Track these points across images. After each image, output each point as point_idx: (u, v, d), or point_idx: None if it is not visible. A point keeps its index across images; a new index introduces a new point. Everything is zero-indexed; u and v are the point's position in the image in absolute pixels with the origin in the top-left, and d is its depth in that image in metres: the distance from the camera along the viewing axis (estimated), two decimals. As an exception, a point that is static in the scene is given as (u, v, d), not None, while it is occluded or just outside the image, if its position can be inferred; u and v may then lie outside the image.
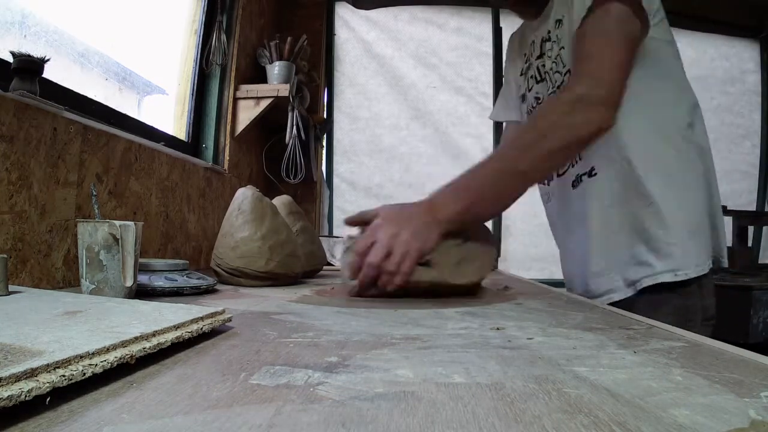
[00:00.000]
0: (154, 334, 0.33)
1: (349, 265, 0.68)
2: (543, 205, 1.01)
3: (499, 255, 2.59)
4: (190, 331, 0.36)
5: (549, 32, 0.86)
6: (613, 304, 0.80)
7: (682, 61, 0.83)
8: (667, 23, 0.80)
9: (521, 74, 0.98)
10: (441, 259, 0.68)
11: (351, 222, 0.73)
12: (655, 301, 0.78)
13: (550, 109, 0.73)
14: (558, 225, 0.97)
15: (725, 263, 0.82)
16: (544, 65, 0.89)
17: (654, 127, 0.79)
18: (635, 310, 0.77)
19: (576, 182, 0.86)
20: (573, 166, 0.87)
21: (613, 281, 0.82)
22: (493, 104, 2.56)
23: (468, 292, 0.72)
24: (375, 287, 0.67)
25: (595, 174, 0.82)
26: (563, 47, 0.82)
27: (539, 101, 0.92)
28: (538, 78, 0.91)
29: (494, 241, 0.75)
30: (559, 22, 0.83)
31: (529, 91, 0.95)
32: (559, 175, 0.91)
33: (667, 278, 0.76)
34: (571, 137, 0.69)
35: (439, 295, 0.69)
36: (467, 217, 0.69)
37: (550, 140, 0.69)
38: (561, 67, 0.83)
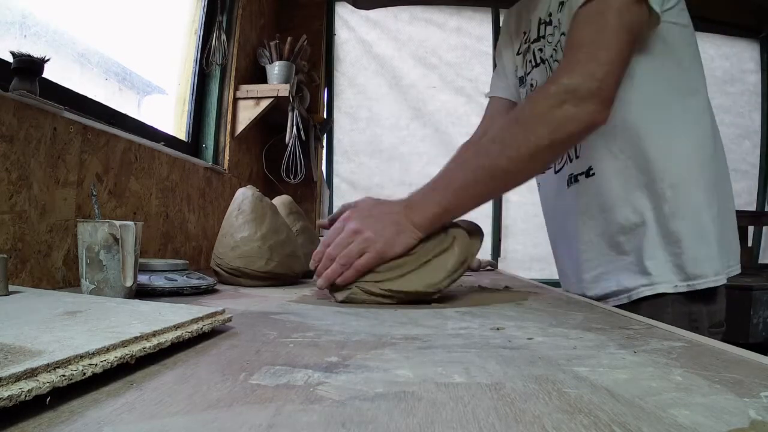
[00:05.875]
0: (154, 334, 0.33)
1: (313, 254, 0.65)
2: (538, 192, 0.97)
3: (498, 255, 2.59)
4: (190, 331, 0.36)
5: (550, 14, 0.79)
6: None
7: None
8: (685, 7, 0.73)
9: (518, 53, 0.91)
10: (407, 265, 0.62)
11: (322, 225, 0.73)
12: (655, 307, 0.73)
13: (537, 101, 0.65)
14: (551, 220, 0.93)
15: (737, 270, 0.77)
16: (542, 50, 0.82)
17: (669, 119, 0.73)
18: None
19: (571, 181, 0.82)
20: (570, 162, 0.82)
21: (610, 287, 0.78)
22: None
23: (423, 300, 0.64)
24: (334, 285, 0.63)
25: (593, 174, 0.77)
26: (564, 33, 0.74)
27: (534, 89, 0.85)
28: (534, 63, 0.85)
29: (475, 235, 0.69)
30: (561, 4, 0.76)
31: (527, 75, 0.89)
32: (556, 172, 0.87)
33: (667, 289, 0.73)
34: (560, 133, 0.63)
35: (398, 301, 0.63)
36: (446, 218, 0.66)
37: (536, 136, 0.63)
38: (562, 56, 0.74)
